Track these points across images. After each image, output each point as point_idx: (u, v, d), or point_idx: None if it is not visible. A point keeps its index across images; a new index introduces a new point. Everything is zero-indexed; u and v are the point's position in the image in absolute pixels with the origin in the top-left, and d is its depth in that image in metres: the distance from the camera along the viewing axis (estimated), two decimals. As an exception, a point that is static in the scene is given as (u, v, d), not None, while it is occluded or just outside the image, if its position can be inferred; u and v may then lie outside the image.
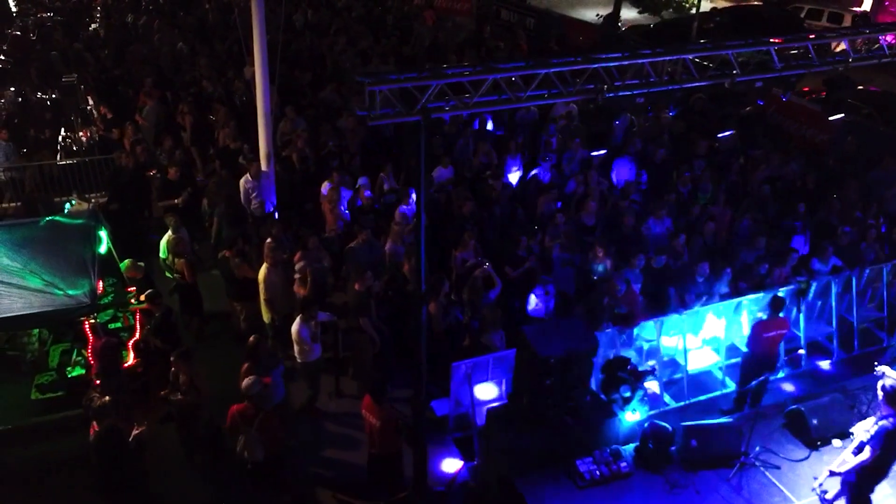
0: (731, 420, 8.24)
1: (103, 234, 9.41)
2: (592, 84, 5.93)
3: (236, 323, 10.55)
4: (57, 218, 9.41)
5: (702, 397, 9.88)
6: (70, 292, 8.12)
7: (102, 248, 9.31)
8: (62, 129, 14.69)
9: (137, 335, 9.29)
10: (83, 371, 8.99)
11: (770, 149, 13.49)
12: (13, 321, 7.95)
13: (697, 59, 6.46)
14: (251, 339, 8.22)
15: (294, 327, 8.76)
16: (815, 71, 6.99)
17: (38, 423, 8.46)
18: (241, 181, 11.69)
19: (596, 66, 5.79)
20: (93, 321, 8.41)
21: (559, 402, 7.45)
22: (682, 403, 9.74)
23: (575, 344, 7.31)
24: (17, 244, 8.54)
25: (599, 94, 5.83)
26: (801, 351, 9.23)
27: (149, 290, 8.95)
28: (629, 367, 7.89)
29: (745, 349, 9.67)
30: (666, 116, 14.68)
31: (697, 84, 6.44)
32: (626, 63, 5.95)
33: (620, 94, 5.98)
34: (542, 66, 5.66)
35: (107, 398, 6.95)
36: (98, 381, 8.10)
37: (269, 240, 10.37)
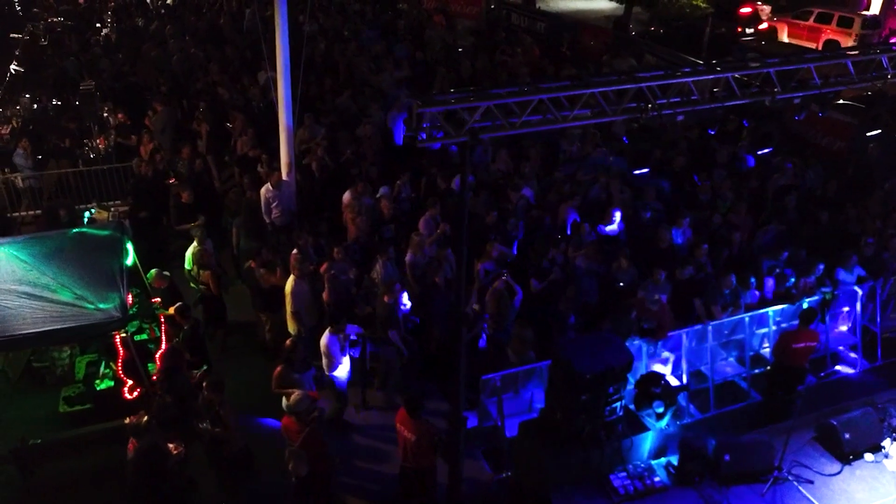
0: (763, 435, 8.26)
1: (130, 246, 9.41)
2: (635, 103, 5.93)
3: (261, 334, 10.56)
4: (85, 230, 9.42)
5: (728, 408, 9.87)
6: (101, 306, 8.09)
7: (129, 261, 9.30)
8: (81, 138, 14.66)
9: (164, 347, 9.29)
10: (111, 384, 8.98)
11: (787, 156, 13.46)
12: (44, 336, 7.91)
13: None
14: (288, 342, 8.25)
15: (323, 340, 8.76)
16: (854, 87, 7.00)
17: (69, 436, 8.43)
18: (262, 190, 11.66)
19: (640, 85, 5.80)
20: (124, 335, 8.38)
21: (594, 418, 7.44)
22: (707, 415, 9.75)
23: (611, 359, 7.31)
24: (46, 257, 8.50)
25: (643, 113, 5.84)
26: (843, 368, 9.24)
27: (179, 304, 8.93)
28: (662, 382, 7.89)
29: (772, 360, 9.67)
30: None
31: (739, 102, 6.47)
32: (669, 82, 5.97)
33: (664, 112, 5.99)
34: (587, 86, 5.66)
35: (145, 417, 6.92)
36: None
37: (294, 251, 10.39)
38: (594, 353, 7.41)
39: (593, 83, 5.63)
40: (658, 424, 7.82)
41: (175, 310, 8.88)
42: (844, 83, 6.83)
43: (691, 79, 6.00)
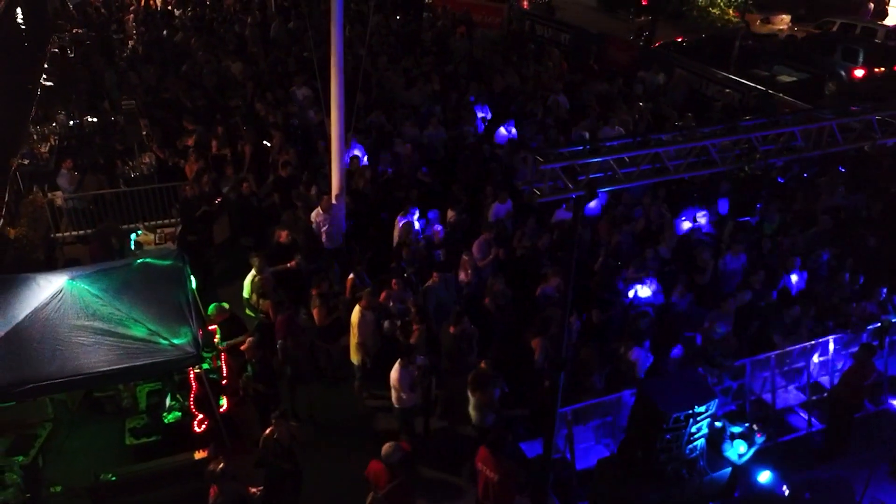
0: (836, 468, 8.27)
1: (192, 276, 9.37)
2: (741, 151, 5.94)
3: (318, 360, 10.50)
4: (148, 259, 9.34)
5: (789, 437, 9.87)
6: (175, 341, 8.05)
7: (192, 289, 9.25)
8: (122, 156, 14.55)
9: (226, 378, 9.25)
10: (179, 415, 8.94)
11: (836, 177, 13.42)
12: (122, 374, 7.87)
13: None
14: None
15: (393, 374, 8.71)
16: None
17: (141, 470, 8.38)
18: (313, 214, 11.63)
19: (749, 135, 5.79)
20: (198, 371, 8.34)
21: (678, 456, 7.44)
22: (770, 443, 9.73)
23: (695, 399, 7.30)
24: (117, 291, 8.43)
25: (750, 162, 5.84)
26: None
27: (253, 339, 8.87)
28: (745, 421, 7.90)
29: (831, 389, 9.67)
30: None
31: (841, 149, 6.47)
32: (776, 132, 5.96)
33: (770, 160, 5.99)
34: (699, 139, 5.66)
35: (222, 464, 6.84)
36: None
37: (351, 276, 10.37)
38: (678, 392, 7.41)
39: (706, 135, 5.63)
40: (739, 461, 7.81)
41: (249, 343, 8.83)
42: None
43: (798, 127, 6.01)
